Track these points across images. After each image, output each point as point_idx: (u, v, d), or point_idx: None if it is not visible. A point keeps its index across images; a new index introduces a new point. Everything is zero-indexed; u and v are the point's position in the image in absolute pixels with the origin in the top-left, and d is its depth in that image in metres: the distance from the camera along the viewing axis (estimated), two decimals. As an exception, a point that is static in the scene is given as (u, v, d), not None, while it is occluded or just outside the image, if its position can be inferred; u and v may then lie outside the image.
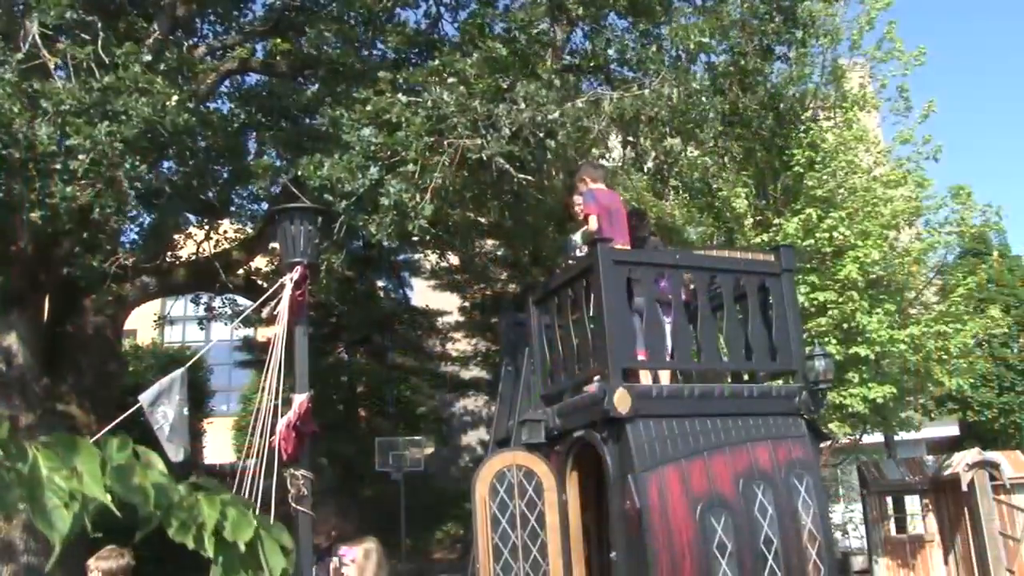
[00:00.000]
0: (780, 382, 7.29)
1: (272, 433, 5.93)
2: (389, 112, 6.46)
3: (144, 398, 5.84)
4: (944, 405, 25.23)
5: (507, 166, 6.63)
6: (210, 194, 12.78)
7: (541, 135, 6.65)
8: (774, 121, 12.57)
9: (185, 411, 6.05)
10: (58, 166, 6.15)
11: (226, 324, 20.20)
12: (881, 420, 13.77)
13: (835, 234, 11.99)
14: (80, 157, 6.08)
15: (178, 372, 6.00)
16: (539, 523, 6.56)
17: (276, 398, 5.79)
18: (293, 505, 6.10)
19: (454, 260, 20.80)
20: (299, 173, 6.50)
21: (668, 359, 6.76)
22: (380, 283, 21.78)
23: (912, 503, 15.41)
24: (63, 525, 1.71)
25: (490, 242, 20.16)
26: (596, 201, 6.92)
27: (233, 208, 13.27)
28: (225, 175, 12.01)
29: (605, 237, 6.51)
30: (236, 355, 22.50)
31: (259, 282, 14.59)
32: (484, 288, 21.26)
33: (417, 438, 19.38)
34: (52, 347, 11.18)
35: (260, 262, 16.24)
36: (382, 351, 21.33)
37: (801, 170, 12.67)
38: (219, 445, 23.22)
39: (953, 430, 23.22)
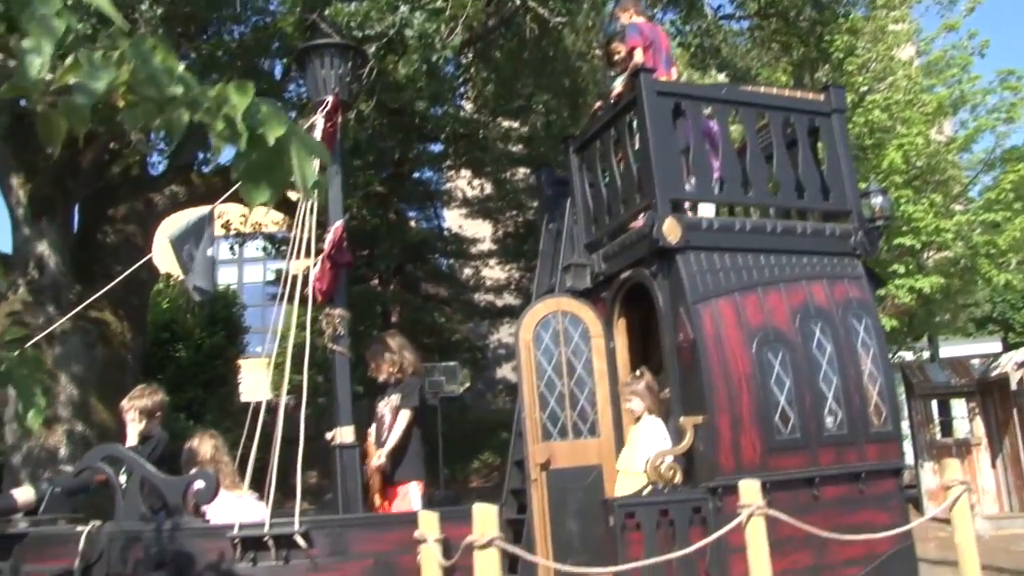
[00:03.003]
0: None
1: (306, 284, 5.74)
2: (419, -52, 6.17)
3: (170, 234, 5.65)
4: (985, 327, 24.78)
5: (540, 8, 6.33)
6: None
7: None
8: (813, 10, 12.16)
9: (210, 251, 5.86)
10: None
11: (258, 250, 20.15)
12: (927, 317, 13.42)
13: (873, 117, 11.58)
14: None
15: (205, 209, 5.81)
16: (586, 370, 6.32)
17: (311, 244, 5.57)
18: (329, 345, 5.93)
19: (487, 189, 20.53)
20: (327, 12, 6.24)
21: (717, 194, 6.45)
22: (411, 213, 21.54)
23: (958, 406, 15.04)
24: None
25: (522, 170, 19.87)
26: (640, 34, 6.61)
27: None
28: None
29: (648, 68, 6.21)
30: (269, 290, 22.37)
31: (290, 195, 14.41)
32: (516, 215, 20.93)
33: (452, 364, 19.20)
34: (83, 255, 11.07)
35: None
36: (415, 281, 21.12)
37: (840, 55, 12.24)
38: (255, 384, 23.17)
39: (996, 348, 22.74)
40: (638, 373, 6.10)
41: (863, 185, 11.64)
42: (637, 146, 6.23)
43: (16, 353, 2.80)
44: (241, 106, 1.89)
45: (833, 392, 6.04)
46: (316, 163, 2.10)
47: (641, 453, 5.77)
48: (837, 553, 5.81)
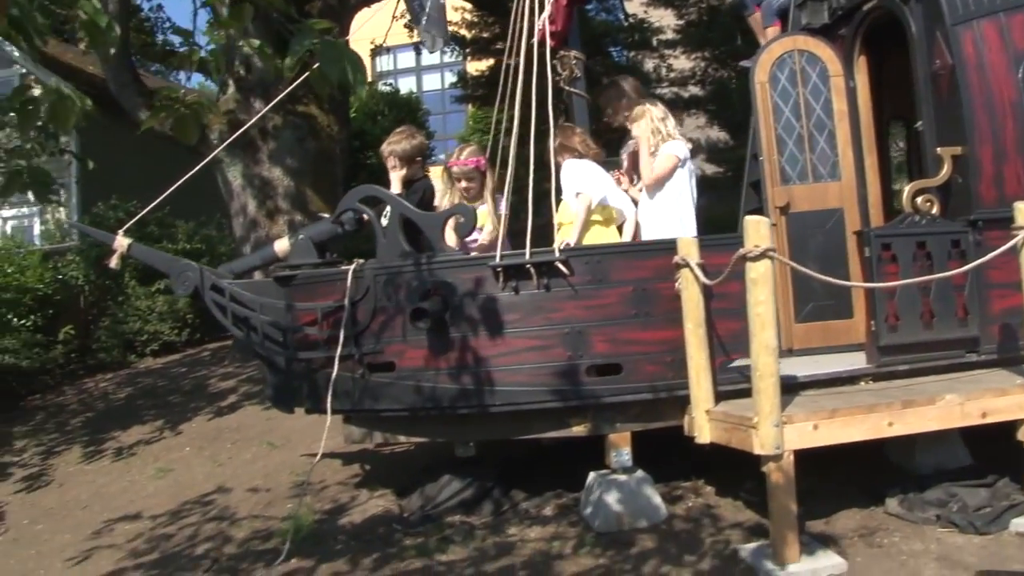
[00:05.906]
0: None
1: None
2: None
3: (405, -17, 5.63)
4: None
5: None
6: None
7: None
8: None
9: (442, 0, 5.82)
10: None
11: (442, 51, 20.06)
12: None
13: None
14: None
15: (435, -40, 5.73)
16: (825, 111, 6.03)
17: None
18: (566, 88, 5.87)
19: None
20: None
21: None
22: (590, 7, 20.88)
23: None
24: None
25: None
26: None
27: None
28: None
29: None
30: (452, 93, 22.45)
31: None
32: (700, 1, 19.91)
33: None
34: (285, 52, 11.28)
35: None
36: (597, 76, 20.69)
37: None
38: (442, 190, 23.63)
39: None
40: None
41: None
42: None
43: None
44: None
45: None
46: None
47: None
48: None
